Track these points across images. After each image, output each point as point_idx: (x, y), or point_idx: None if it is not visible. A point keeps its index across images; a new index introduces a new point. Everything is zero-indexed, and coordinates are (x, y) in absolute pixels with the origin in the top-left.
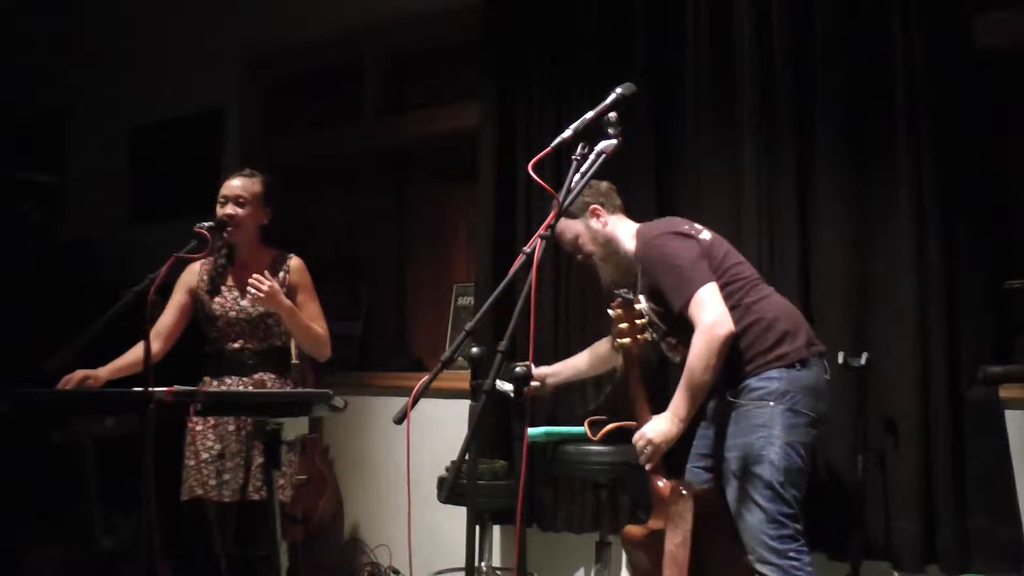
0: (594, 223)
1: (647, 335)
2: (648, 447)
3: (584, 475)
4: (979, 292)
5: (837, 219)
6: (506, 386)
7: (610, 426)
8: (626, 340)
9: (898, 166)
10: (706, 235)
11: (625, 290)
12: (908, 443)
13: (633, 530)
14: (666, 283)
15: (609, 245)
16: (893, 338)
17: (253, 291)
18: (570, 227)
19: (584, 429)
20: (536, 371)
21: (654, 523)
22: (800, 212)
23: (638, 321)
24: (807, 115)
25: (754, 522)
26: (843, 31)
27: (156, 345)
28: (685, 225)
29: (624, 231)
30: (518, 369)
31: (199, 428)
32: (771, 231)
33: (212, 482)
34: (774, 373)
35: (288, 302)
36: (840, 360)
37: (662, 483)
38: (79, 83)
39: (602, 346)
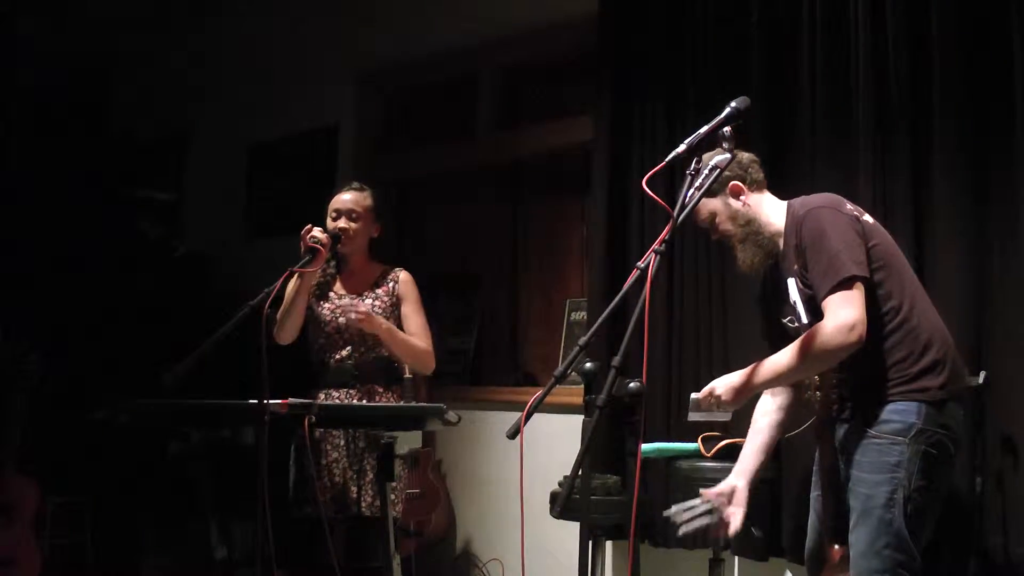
0: (733, 202)
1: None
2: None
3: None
4: None
5: (954, 225)
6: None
7: (724, 442)
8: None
9: (1019, 168)
10: (868, 218)
11: None
12: None
13: None
14: (817, 261)
15: (750, 226)
16: (1013, 353)
17: (351, 315)
18: (707, 204)
19: (697, 445)
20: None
21: None
22: (916, 217)
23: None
24: (923, 117)
25: (868, 567)
26: (961, 29)
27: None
28: (848, 204)
29: (768, 209)
30: (632, 385)
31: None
32: None
33: (323, 497)
34: (913, 407)
35: (384, 322)
36: None
37: (836, 547)
38: (199, 103)
39: (768, 417)
